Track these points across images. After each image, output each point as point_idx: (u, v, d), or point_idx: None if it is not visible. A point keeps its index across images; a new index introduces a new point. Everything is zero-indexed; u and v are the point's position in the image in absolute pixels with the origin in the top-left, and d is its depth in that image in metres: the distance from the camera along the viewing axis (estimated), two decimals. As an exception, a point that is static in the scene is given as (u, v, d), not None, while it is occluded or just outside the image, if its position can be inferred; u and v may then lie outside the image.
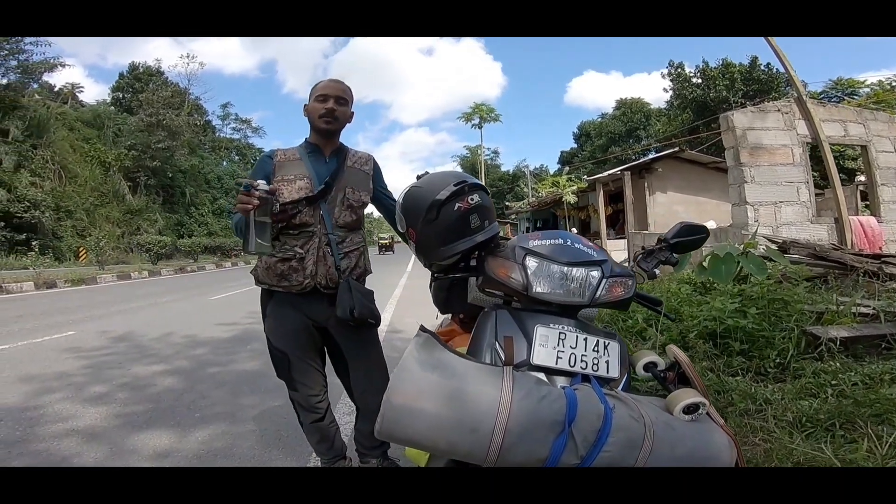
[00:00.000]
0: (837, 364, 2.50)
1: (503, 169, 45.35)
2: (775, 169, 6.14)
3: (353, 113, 1.76)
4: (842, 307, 3.67)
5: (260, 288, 1.75)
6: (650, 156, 12.51)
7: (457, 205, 1.14)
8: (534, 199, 24.29)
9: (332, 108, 1.64)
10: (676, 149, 12.37)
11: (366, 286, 1.78)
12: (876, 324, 3.23)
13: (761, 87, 21.06)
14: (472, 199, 1.16)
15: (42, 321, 6.31)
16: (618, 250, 11.19)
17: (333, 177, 1.67)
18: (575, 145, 41.71)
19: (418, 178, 1.26)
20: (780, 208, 6.16)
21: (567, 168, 31.73)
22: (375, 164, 1.83)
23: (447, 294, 1.49)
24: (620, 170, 11.17)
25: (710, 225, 11.47)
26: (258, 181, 1.46)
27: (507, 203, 33.75)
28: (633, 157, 32.07)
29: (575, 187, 11.83)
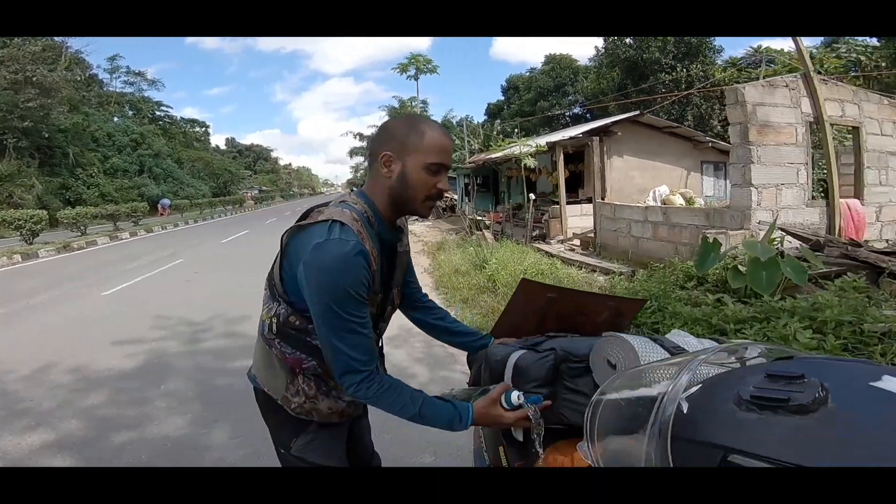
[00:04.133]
0: None
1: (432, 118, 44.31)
2: (780, 149, 5.69)
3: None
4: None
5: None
6: (610, 119, 11.97)
7: None
8: (472, 154, 23.46)
9: (447, 188, 1.15)
10: (637, 112, 11.93)
11: None
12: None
13: (689, 49, 21.17)
14: None
15: None
16: (574, 216, 10.73)
17: (391, 274, 1.24)
18: (503, 98, 41.76)
19: None
20: (780, 191, 5.78)
21: (498, 121, 31.40)
22: None
23: None
24: (584, 133, 10.52)
25: (663, 190, 11.38)
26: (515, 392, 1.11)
27: None
28: (562, 113, 32.59)
29: (533, 150, 10.99)
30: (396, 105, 40.81)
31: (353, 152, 47.46)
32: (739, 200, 5.82)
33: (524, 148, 11.10)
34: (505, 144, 13.48)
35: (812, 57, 18.63)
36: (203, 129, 55.96)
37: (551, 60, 35.83)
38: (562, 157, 10.76)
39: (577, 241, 9.93)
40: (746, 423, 0.50)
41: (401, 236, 1.25)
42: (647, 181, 11.28)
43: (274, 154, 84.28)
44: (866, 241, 5.65)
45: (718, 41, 22.04)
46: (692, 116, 19.21)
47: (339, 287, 1.01)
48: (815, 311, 3.20)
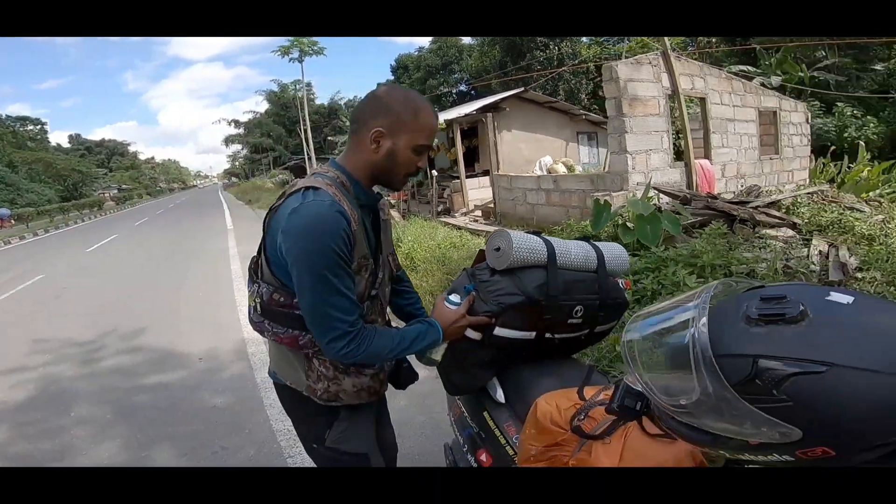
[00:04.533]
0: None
1: (318, 102, 42.42)
2: (647, 119, 6.47)
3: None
4: (764, 263, 3.98)
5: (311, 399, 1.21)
6: (499, 95, 12.49)
7: None
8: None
9: (424, 164, 1.18)
10: (522, 88, 12.60)
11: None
12: (798, 281, 3.60)
13: None
14: None
15: None
16: (474, 189, 11.22)
17: (378, 238, 1.24)
18: (392, 77, 41.67)
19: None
20: (649, 156, 6.60)
21: None
22: None
23: None
24: (478, 110, 10.93)
25: (547, 160, 12.27)
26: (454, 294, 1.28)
27: (328, 138, 32.02)
28: (449, 91, 33.23)
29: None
30: (276, 89, 38.35)
31: (229, 140, 43.79)
32: (618, 165, 6.56)
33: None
34: None
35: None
36: (38, 126, 49.06)
37: (439, 40, 36.26)
38: (458, 133, 11.08)
39: (479, 213, 10.41)
40: (760, 334, 0.65)
41: (381, 202, 1.23)
42: (533, 152, 12.08)
43: (132, 148, 76.21)
44: (718, 194, 6.74)
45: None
46: (563, 91, 20.71)
47: (321, 246, 0.99)
48: (694, 258, 3.82)
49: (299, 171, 26.20)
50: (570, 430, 1.12)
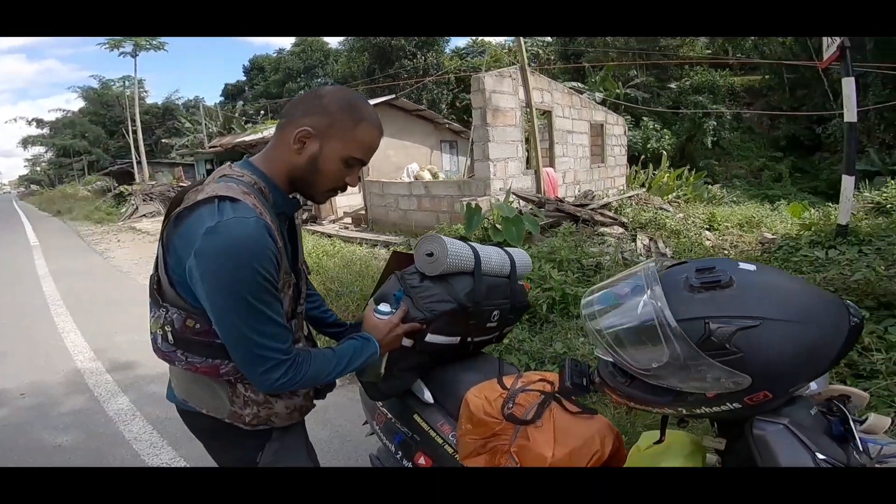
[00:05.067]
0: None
1: (149, 101, 37.58)
2: (506, 129, 7.10)
3: None
4: (607, 256, 4.70)
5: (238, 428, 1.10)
6: (372, 101, 12.26)
7: None
8: (210, 138, 21.03)
9: (354, 182, 1.04)
10: (393, 96, 12.68)
11: None
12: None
13: (428, 38, 23.49)
14: None
15: None
16: (342, 195, 11.01)
17: (296, 248, 1.12)
18: (244, 78, 39.49)
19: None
20: (507, 163, 7.26)
21: (242, 103, 28.95)
22: None
23: None
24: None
25: (414, 167, 12.63)
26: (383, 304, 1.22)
27: (162, 140, 28.53)
28: None
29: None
30: (97, 85, 33.06)
31: (28, 142, 36.43)
32: (481, 172, 7.10)
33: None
34: (270, 125, 12.60)
35: (509, 50, 23.14)
36: None
37: (302, 42, 34.98)
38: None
39: (348, 220, 10.28)
40: (704, 299, 0.75)
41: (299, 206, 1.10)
42: (401, 159, 12.31)
43: None
44: (563, 199, 7.71)
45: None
46: (426, 101, 21.49)
47: (247, 272, 0.87)
48: (552, 254, 4.36)
49: (124, 177, 22.78)
50: (503, 419, 1.19)
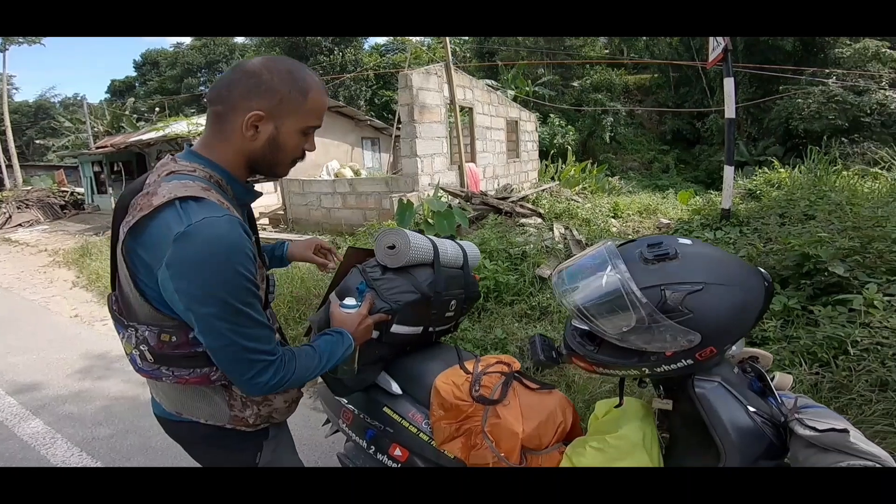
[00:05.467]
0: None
1: (18, 99, 33.08)
2: (432, 126, 7.27)
3: None
4: (530, 244, 5.06)
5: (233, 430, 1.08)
6: None
7: None
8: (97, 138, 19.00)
9: (313, 147, 1.00)
10: None
11: None
12: (555, 258, 4.75)
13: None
14: None
15: None
16: (270, 193, 10.69)
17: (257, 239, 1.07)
18: (134, 73, 36.48)
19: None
20: (434, 159, 7.44)
21: (133, 100, 26.31)
22: None
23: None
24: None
25: (334, 165, 12.39)
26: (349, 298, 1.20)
27: (36, 141, 25.37)
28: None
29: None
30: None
31: None
32: (409, 168, 7.21)
33: (191, 126, 9.95)
34: (174, 121, 11.63)
35: (428, 47, 23.23)
36: None
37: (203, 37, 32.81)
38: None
39: (265, 220, 9.88)
40: (657, 270, 0.88)
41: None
42: (320, 156, 12.00)
43: None
44: (486, 192, 8.05)
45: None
46: (343, 97, 21.03)
47: (228, 274, 0.83)
48: (483, 244, 4.62)
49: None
50: (473, 401, 1.27)
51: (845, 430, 0.79)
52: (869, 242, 2.78)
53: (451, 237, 1.60)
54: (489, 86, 11.34)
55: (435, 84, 7.35)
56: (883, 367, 1.93)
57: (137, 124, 18.61)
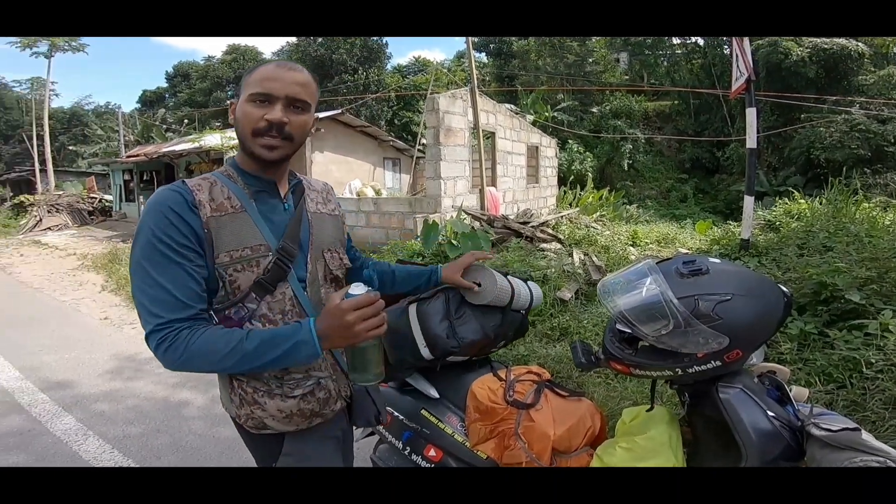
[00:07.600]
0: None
1: (54, 105, 34.64)
2: (456, 149, 7.49)
3: (316, 119, 1.11)
4: (551, 268, 5.18)
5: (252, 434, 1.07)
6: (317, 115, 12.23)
7: None
8: (128, 147, 19.70)
9: (280, 119, 0.96)
10: (339, 111, 12.63)
11: None
12: (575, 281, 4.86)
13: (370, 54, 23.47)
14: None
15: None
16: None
17: (297, 232, 1.05)
18: (166, 84, 37.71)
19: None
20: (456, 182, 7.64)
21: (164, 111, 27.26)
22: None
23: None
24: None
25: (356, 184, 12.64)
26: (355, 284, 0.92)
27: (69, 147, 26.29)
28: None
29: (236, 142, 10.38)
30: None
31: None
32: (433, 190, 7.41)
33: (224, 140, 10.31)
34: (208, 133, 12.05)
35: (448, 69, 23.69)
36: None
37: (234, 51, 33.97)
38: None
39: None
40: (691, 283, 1.03)
41: (285, 189, 1.09)
42: (344, 175, 12.31)
43: None
44: (506, 217, 8.20)
45: (390, 48, 25.27)
46: (364, 117, 21.57)
47: (143, 235, 0.91)
48: (505, 267, 4.76)
49: (22, 186, 20.59)
50: (508, 405, 1.36)
51: (857, 429, 0.89)
52: (886, 272, 2.85)
53: (525, 280, 1.58)
54: (510, 110, 11.62)
55: (460, 108, 7.56)
56: (896, 386, 2.01)
57: (167, 135, 19.25)
